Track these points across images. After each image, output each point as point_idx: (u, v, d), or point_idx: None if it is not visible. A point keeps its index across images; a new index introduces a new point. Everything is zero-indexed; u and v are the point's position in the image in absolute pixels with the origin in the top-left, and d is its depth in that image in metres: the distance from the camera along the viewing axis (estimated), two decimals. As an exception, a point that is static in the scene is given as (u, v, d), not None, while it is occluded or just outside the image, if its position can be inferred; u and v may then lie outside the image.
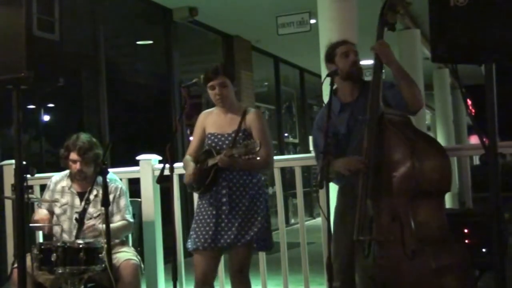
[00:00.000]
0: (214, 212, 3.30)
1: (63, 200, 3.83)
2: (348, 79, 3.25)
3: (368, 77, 3.33)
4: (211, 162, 3.30)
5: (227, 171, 3.30)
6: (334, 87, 3.20)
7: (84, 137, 3.80)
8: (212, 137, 3.43)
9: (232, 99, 3.44)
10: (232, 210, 3.29)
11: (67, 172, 3.92)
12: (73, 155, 3.76)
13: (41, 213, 3.74)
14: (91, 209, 3.62)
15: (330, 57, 3.31)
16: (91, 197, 3.54)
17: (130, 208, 3.90)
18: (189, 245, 3.37)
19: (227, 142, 3.36)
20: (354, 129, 3.18)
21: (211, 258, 3.34)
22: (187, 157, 3.48)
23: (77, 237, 3.45)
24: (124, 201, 3.85)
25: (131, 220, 3.88)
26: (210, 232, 3.29)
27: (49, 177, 4.03)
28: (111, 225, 3.63)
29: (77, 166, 3.76)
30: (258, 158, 3.21)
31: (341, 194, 3.33)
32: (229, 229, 3.28)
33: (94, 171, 3.76)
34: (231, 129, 3.39)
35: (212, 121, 3.48)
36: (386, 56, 3.03)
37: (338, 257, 3.21)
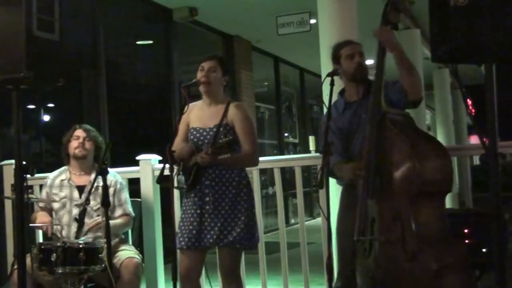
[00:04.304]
0: (198, 211, 3.26)
1: (62, 194, 3.84)
2: (353, 80, 3.26)
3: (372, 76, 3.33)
4: (192, 159, 3.25)
5: (210, 169, 3.26)
6: (342, 87, 3.21)
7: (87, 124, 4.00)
8: (195, 132, 3.37)
9: (217, 90, 3.38)
10: (215, 210, 3.24)
11: (65, 167, 3.95)
12: (78, 132, 3.86)
13: (42, 216, 3.74)
14: (91, 202, 3.64)
15: (336, 59, 3.31)
16: (92, 189, 3.55)
17: (130, 202, 3.93)
18: (177, 243, 3.30)
19: (208, 137, 3.30)
20: (357, 127, 3.19)
21: (195, 257, 3.30)
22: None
23: (77, 237, 3.45)
24: (125, 194, 3.89)
25: (133, 214, 3.91)
26: (194, 231, 3.26)
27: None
28: (113, 222, 3.68)
29: (79, 140, 3.83)
30: (241, 154, 3.22)
31: (344, 195, 3.33)
32: (212, 229, 3.24)
33: (94, 160, 3.86)
34: (213, 123, 3.32)
35: (195, 115, 3.42)
36: (388, 41, 3.00)
37: (341, 256, 3.22)
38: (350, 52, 3.27)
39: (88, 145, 3.84)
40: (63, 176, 3.91)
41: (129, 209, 3.88)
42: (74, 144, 3.85)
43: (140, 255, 3.74)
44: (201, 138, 3.34)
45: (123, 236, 3.92)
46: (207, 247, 3.30)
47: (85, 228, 3.56)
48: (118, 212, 3.82)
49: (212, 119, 3.34)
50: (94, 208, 3.72)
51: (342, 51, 3.29)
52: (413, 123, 3.06)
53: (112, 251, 3.28)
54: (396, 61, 3.04)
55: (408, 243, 2.76)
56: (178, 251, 3.33)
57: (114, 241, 3.63)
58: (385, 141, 2.92)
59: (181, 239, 3.30)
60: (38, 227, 3.80)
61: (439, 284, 2.71)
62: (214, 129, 3.30)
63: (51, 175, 3.98)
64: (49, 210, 3.85)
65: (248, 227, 3.28)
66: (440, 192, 2.91)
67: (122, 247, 3.73)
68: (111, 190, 3.76)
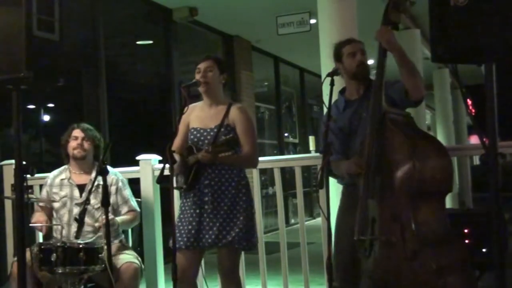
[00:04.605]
0: (197, 211, 3.27)
1: (62, 193, 3.84)
2: (355, 79, 3.26)
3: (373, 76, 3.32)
4: (192, 159, 3.24)
5: (209, 169, 3.26)
6: (342, 87, 3.19)
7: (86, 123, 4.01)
8: (195, 132, 3.38)
9: (216, 89, 3.38)
10: (214, 210, 3.25)
11: (65, 166, 3.96)
12: (76, 132, 3.87)
13: (38, 216, 3.74)
14: (92, 200, 3.64)
15: (337, 56, 3.31)
16: (92, 188, 3.56)
17: (134, 198, 3.95)
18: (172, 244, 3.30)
19: (209, 137, 3.31)
20: (358, 126, 3.19)
21: (192, 257, 3.30)
22: None
23: (77, 237, 3.45)
24: (128, 191, 3.91)
25: (138, 209, 3.94)
26: (193, 231, 3.25)
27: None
28: (121, 218, 3.76)
29: (78, 141, 3.83)
30: (241, 154, 3.22)
31: (344, 194, 3.33)
32: (211, 229, 3.24)
33: (93, 158, 3.87)
34: (213, 124, 3.33)
35: (195, 116, 3.42)
36: (387, 41, 2.98)
37: (339, 256, 3.21)
38: (352, 50, 3.26)
39: (86, 145, 3.85)
40: (63, 175, 3.91)
41: (134, 205, 3.91)
42: (72, 144, 3.86)
43: (139, 258, 3.74)
44: (201, 138, 3.34)
45: (123, 237, 3.92)
46: (206, 247, 3.30)
47: (97, 225, 3.56)
48: (124, 209, 3.85)
49: (213, 119, 3.35)
50: (96, 206, 3.72)
51: (344, 49, 3.28)
52: (413, 123, 3.06)
53: (112, 253, 3.28)
54: (397, 61, 3.04)
55: (408, 243, 2.76)
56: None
57: (114, 244, 3.64)
58: (385, 141, 2.92)
59: (179, 239, 3.29)
60: (35, 227, 3.81)
61: (439, 284, 2.70)
62: (215, 130, 3.31)
63: (51, 174, 3.99)
64: (49, 210, 3.85)
65: (247, 228, 3.29)
66: (440, 192, 2.91)
67: (122, 251, 3.73)
68: (113, 189, 3.78)
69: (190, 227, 3.28)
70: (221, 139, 3.17)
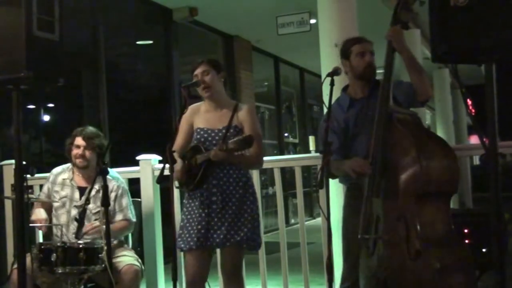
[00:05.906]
0: (206, 211, 3.25)
1: (63, 193, 3.84)
2: (360, 79, 3.25)
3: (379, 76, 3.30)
4: (200, 158, 3.23)
5: (217, 168, 3.25)
6: (342, 86, 3.18)
7: (91, 127, 3.94)
8: (202, 132, 3.36)
9: (219, 90, 3.39)
10: (222, 209, 3.24)
11: (69, 164, 3.94)
12: (78, 140, 3.82)
13: (38, 213, 3.74)
14: (90, 205, 3.62)
15: (345, 54, 3.29)
16: (92, 192, 3.55)
17: (132, 207, 3.92)
18: (182, 244, 3.29)
19: (217, 137, 3.30)
20: (363, 126, 3.17)
21: (202, 257, 3.29)
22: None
23: (77, 237, 3.45)
24: (126, 200, 3.87)
25: (133, 219, 3.90)
26: (203, 231, 3.24)
27: (49, 177, 4.03)
28: (111, 226, 3.68)
29: (79, 151, 3.79)
30: (249, 154, 3.21)
31: (348, 196, 3.32)
32: (219, 228, 3.23)
33: (97, 164, 3.80)
34: (221, 125, 3.32)
35: (201, 116, 3.41)
36: (399, 42, 2.99)
37: (349, 257, 3.21)
38: (362, 49, 3.24)
39: (88, 154, 3.80)
40: (65, 175, 3.90)
41: (129, 214, 3.86)
42: (74, 153, 3.83)
43: (139, 260, 3.73)
44: (209, 138, 3.33)
45: (122, 238, 3.91)
46: (214, 247, 3.30)
47: (83, 230, 3.55)
48: (119, 217, 3.81)
49: (221, 120, 3.34)
50: (93, 211, 3.71)
51: (353, 48, 3.26)
52: (420, 123, 3.05)
53: (112, 254, 3.28)
54: (406, 62, 3.04)
55: (412, 243, 2.76)
56: (181, 253, 3.32)
57: (114, 244, 3.62)
58: (392, 140, 2.91)
59: (189, 239, 3.26)
60: (35, 227, 3.81)
61: (441, 284, 2.70)
62: (223, 130, 3.30)
63: (54, 170, 3.97)
64: (49, 205, 3.84)
65: (253, 228, 3.30)
66: (446, 192, 2.90)
67: (122, 252, 3.73)
68: (112, 195, 3.75)
69: (199, 226, 3.25)
70: (235, 138, 3.16)
